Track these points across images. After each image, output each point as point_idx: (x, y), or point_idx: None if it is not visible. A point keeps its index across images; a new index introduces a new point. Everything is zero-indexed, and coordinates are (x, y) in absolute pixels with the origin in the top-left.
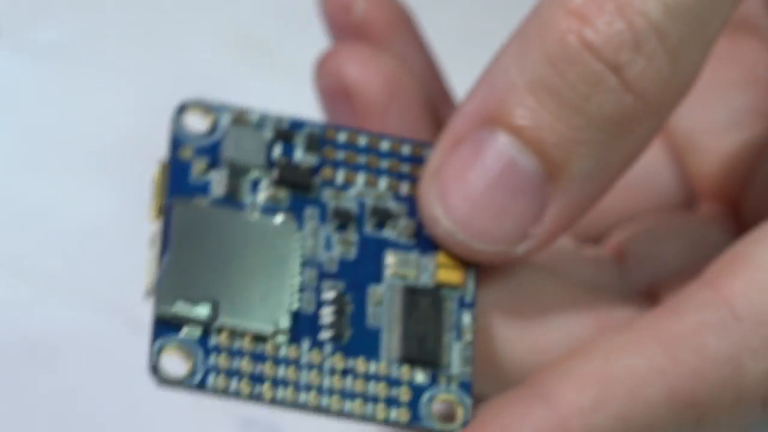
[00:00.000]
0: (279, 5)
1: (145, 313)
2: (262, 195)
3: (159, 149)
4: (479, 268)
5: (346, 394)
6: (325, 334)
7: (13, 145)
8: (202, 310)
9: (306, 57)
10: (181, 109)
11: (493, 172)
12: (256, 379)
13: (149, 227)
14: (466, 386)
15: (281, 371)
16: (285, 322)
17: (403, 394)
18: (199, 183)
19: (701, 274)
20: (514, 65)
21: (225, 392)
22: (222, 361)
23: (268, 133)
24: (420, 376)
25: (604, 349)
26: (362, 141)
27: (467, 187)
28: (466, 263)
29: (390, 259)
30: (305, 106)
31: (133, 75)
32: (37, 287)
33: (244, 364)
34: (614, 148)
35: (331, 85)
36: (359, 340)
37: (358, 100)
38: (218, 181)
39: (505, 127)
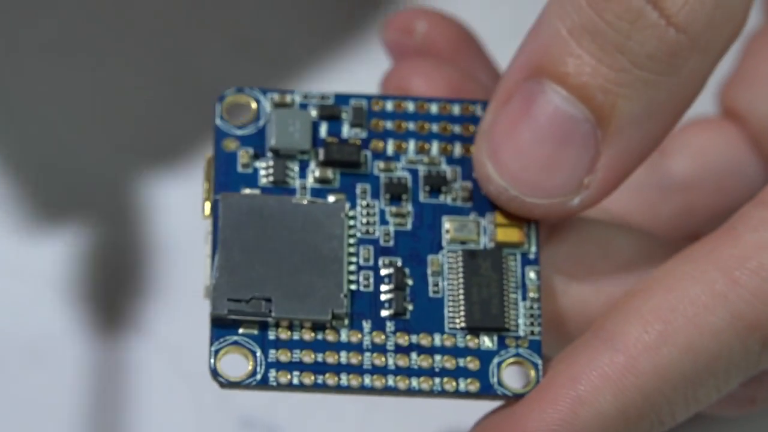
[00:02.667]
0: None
1: (146, 314)
2: (311, 177)
3: None
4: (542, 225)
5: (413, 372)
6: (385, 312)
7: None
8: (256, 307)
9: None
10: (222, 99)
11: (541, 123)
12: (319, 368)
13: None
14: (535, 346)
15: (344, 357)
16: (343, 307)
17: (471, 363)
18: (246, 173)
19: (756, 195)
20: (556, 14)
21: (288, 386)
22: (282, 355)
23: (312, 113)
24: (487, 343)
25: (663, 284)
26: (410, 107)
27: (516, 141)
28: (526, 220)
29: (447, 225)
30: None
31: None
32: (38, 287)
33: (305, 355)
34: (662, 87)
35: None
36: (421, 314)
37: None
38: (265, 169)
39: (550, 76)
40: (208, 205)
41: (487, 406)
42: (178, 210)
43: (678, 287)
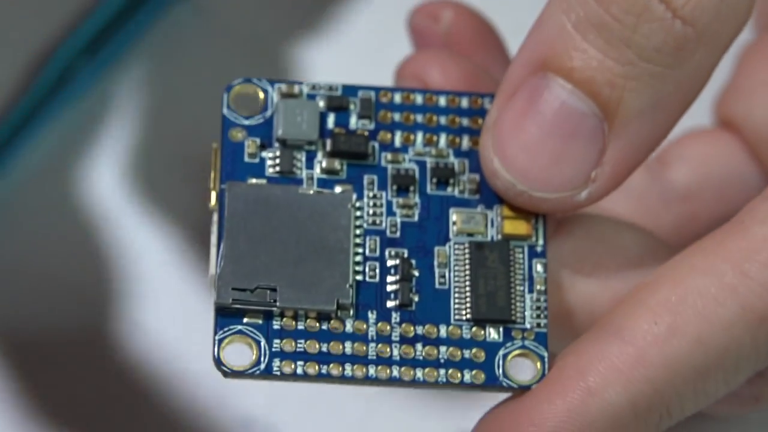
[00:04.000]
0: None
1: (145, 313)
2: (318, 168)
3: None
4: (549, 219)
5: (417, 363)
6: (391, 303)
7: None
8: (261, 296)
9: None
10: (230, 90)
11: (547, 117)
12: (324, 358)
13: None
14: (541, 338)
15: (348, 348)
16: (348, 297)
17: (476, 354)
18: (253, 163)
19: (764, 190)
20: (560, 8)
21: (292, 376)
22: (286, 344)
23: (320, 103)
24: (493, 334)
25: (671, 277)
26: (418, 99)
27: (523, 136)
28: (533, 214)
29: (455, 216)
30: None
31: None
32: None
33: (310, 345)
34: (669, 80)
35: (412, 87)
36: (427, 305)
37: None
38: (272, 159)
39: (556, 70)
40: (214, 195)
41: (489, 401)
42: (179, 208)
43: (687, 280)
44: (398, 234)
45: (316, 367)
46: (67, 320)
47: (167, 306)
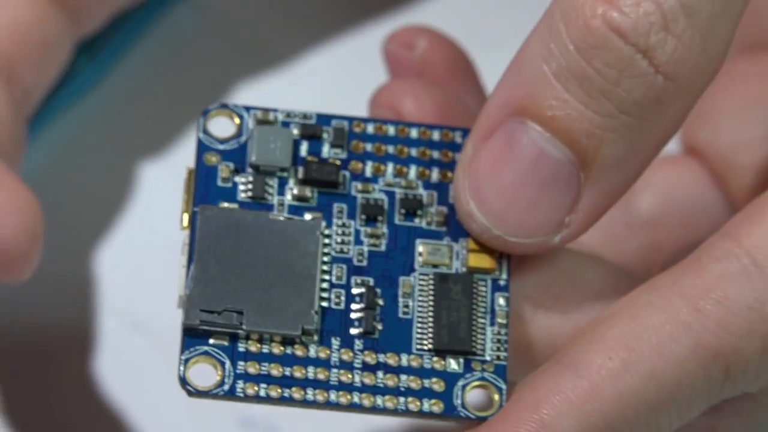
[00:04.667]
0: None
1: (144, 313)
2: (290, 195)
3: None
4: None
5: (378, 390)
6: (355, 331)
7: None
8: (228, 319)
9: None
10: (206, 114)
11: (524, 164)
12: (286, 382)
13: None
14: (500, 371)
15: (311, 372)
16: (313, 323)
17: (436, 384)
18: (225, 187)
19: (722, 227)
20: (540, 54)
21: (255, 398)
22: (251, 367)
23: (294, 131)
24: (453, 365)
25: (627, 312)
26: (390, 130)
27: (499, 181)
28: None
29: (421, 248)
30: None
31: None
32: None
33: (273, 369)
34: (646, 132)
35: (385, 116)
36: (390, 334)
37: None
38: (245, 184)
39: (534, 117)
40: (186, 217)
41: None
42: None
43: (642, 315)
44: (365, 263)
45: (279, 391)
46: (67, 320)
47: (168, 306)
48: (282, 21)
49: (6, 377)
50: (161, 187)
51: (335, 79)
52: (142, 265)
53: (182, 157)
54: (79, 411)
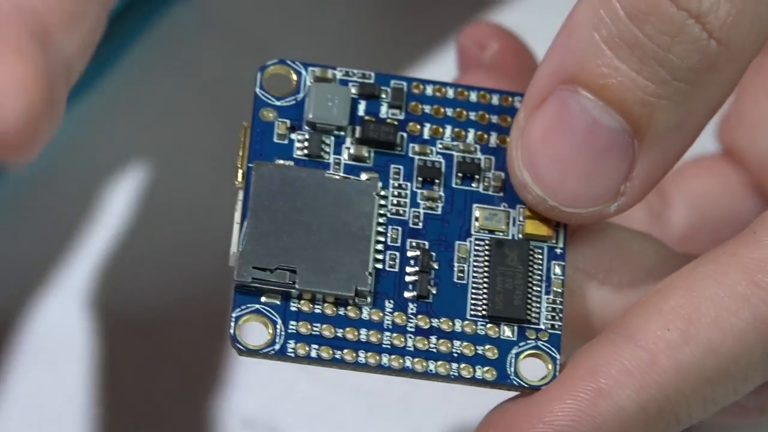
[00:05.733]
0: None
1: (145, 314)
2: (346, 154)
3: None
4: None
5: (431, 355)
6: (409, 294)
7: None
8: (281, 277)
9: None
10: (263, 70)
11: (577, 133)
12: (338, 343)
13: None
14: (555, 340)
15: (363, 335)
16: (367, 284)
17: (489, 351)
18: (281, 144)
19: None
20: (590, 21)
21: (306, 359)
22: (302, 327)
23: (352, 90)
24: (507, 332)
25: (684, 284)
26: (450, 93)
27: (553, 151)
28: None
29: (477, 212)
30: None
31: None
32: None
33: (325, 329)
34: (699, 98)
35: (471, 52)
36: (444, 299)
37: None
38: (301, 142)
39: (585, 86)
40: (240, 173)
41: (490, 402)
42: (181, 207)
43: (700, 288)
44: (420, 225)
45: (330, 352)
46: (67, 320)
47: (168, 306)
48: (282, 21)
49: (6, 377)
50: (161, 187)
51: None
52: (142, 264)
53: (183, 157)
54: (79, 411)
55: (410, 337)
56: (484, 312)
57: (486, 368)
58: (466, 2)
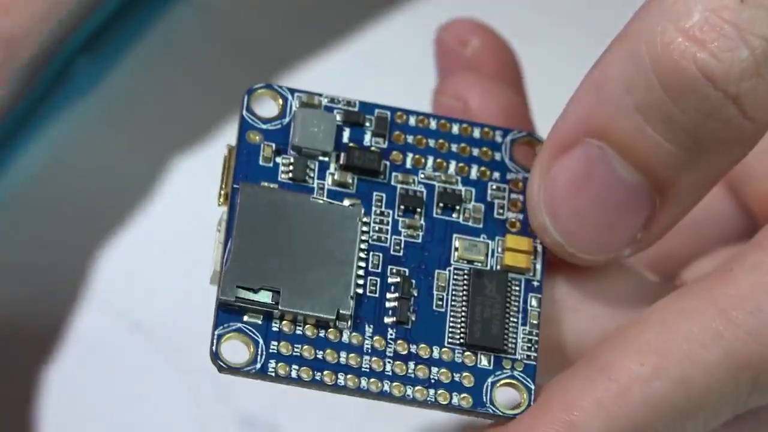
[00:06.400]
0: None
1: (144, 313)
2: (330, 179)
3: None
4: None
5: (409, 380)
6: (388, 319)
7: None
8: (265, 297)
9: None
10: (250, 93)
11: (601, 188)
12: (318, 365)
13: (217, 211)
14: (530, 370)
15: (343, 357)
16: (348, 308)
17: (466, 379)
18: (267, 167)
19: (754, 237)
20: (622, 81)
21: (286, 379)
22: (283, 347)
23: (337, 117)
24: (484, 361)
25: (659, 318)
26: (432, 124)
27: (575, 202)
28: (533, 249)
29: (457, 242)
30: None
31: None
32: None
33: (306, 351)
34: (722, 164)
35: (451, 106)
36: (423, 326)
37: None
38: (286, 166)
39: (613, 144)
40: (224, 194)
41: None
42: (180, 206)
43: (675, 322)
44: (401, 253)
45: (310, 373)
46: (67, 320)
47: (167, 304)
48: (282, 21)
49: (6, 377)
50: (161, 186)
51: (335, 79)
52: (142, 265)
53: (183, 156)
54: (79, 411)
55: (389, 362)
56: (461, 340)
57: (462, 395)
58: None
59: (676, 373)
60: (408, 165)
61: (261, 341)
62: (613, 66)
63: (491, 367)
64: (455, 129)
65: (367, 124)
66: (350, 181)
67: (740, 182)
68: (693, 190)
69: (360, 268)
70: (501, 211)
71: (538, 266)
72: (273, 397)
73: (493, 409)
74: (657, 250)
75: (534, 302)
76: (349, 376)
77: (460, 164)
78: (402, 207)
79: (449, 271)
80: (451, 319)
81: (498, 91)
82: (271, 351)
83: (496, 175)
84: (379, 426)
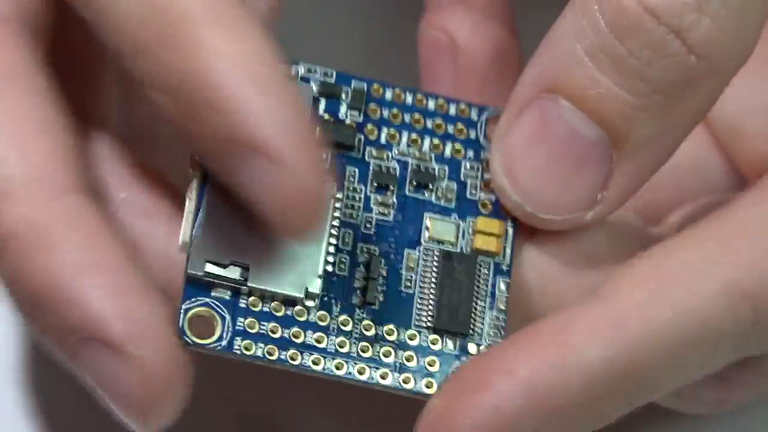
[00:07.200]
0: None
1: None
2: None
3: None
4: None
5: (373, 362)
6: (356, 299)
7: None
8: (234, 273)
9: None
10: None
11: (556, 143)
12: (284, 344)
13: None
14: None
15: (309, 336)
16: (316, 287)
17: (431, 363)
18: None
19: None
20: (573, 32)
21: (251, 357)
22: (250, 324)
23: (313, 87)
24: (449, 345)
25: (662, 252)
26: (408, 99)
27: (531, 160)
28: (504, 232)
29: (428, 222)
30: None
31: None
32: None
33: (272, 328)
34: (678, 111)
35: (438, 40)
36: (390, 307)
37: (463, 60)
38: None
39: (566, 96)
40: (196, 161)
41: None
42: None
43: (675, 253)
44: (372, 231)
45: (276, 352)
46: None
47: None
48: (282, 21)
49: (5, 376)
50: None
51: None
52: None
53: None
54: (79, 410)
55: (354, 343)
56: (429, 324)
57: (426, 380)
58: None
59: (675, 300)
60: (383, 140)
61: (228, 317)
62: (565, 20)
63: (456, 352)
64: (431, 105)
65: (344, 96)
66: (324, 155)
67: (730, 140)
68: (652, 142)
69: (330, 245)
70: (474, 191)
71: (509, 249)
72: (273, 397)
73: None
74: (642, 201)
75: (503, 286)
76: (314, 356)
77: (435, 141)
78: (375, 184)
79: (419, 251)
80: (419, 301)
81: (488, 28)
82: (237, 328)
83: (471, 153)
84: (380, 426)
